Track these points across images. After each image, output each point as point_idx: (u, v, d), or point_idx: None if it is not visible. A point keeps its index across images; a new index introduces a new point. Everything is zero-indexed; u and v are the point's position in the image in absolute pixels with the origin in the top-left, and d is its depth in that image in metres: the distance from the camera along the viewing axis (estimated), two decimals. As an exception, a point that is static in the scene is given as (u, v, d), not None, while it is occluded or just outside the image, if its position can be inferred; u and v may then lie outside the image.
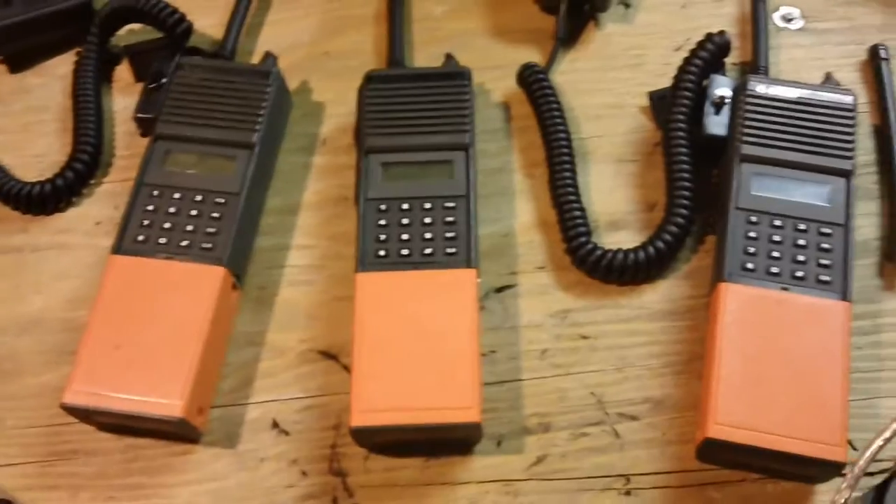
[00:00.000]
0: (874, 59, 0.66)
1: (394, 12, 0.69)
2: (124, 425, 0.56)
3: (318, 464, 0.56)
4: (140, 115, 0.63)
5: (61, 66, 0.69)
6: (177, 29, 0.65)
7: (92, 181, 0.65)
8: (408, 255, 0.57)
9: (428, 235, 0.58)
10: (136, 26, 0.69)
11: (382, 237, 0.58)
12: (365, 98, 0.62)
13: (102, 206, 0.64)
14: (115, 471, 0.56)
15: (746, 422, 0.52)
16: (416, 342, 0.54)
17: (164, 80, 0.63)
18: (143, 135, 0.65)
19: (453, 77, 0.63)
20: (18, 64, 0.69)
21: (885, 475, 0.54)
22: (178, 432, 0.55)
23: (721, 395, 0.52)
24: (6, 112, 0.68)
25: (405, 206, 0.59)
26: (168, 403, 0.53)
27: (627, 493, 0.54)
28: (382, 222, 0.58)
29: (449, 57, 0.66)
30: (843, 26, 0.69)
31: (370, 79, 0.63)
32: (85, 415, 0.55)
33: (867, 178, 0.63)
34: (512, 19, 0.70)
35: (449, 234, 0.58)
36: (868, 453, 0.50)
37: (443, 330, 0.55)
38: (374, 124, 0.61)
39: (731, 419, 0.52)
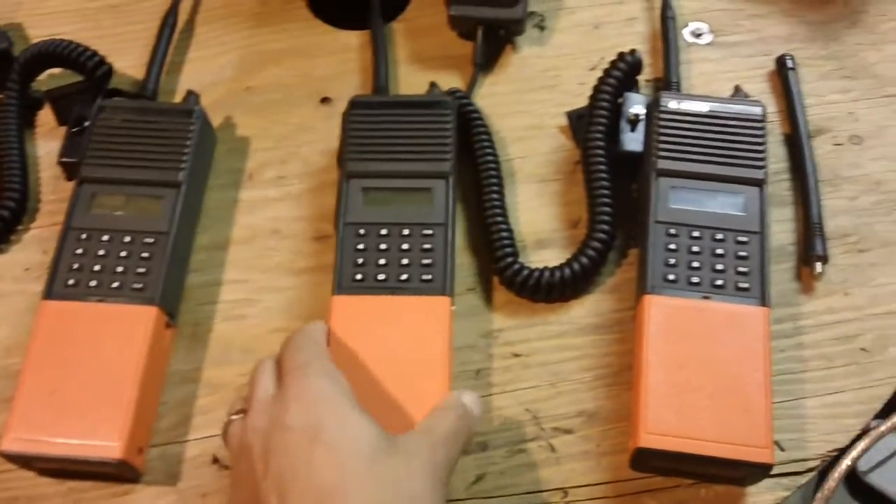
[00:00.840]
0: (781, 69, 0.69)
1: (377, 41, 0.70)
2: (65, 469, 0.56)
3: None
4: (64, 160, 0.63)
5: (-19, 113, 0.68)
6: (97, 72, 0.65)
7: (19, 227, 0.64)
8: (384, 280, 0.58)
9: (405, 261, 0.58)
10: (56, 70, 0.68)
11: (360, 261, 0.59)
12: (348, 123, 0.63)
13: (31, 251, 0.64)
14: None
15: (676, 429, 0.53)
16: (388, 367, 0.55)
17: (86, 124, 0.63)
18: (69, 179, 0.65)
19: (436, 106, 0.63)
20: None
21: (811, 474, 0.56)
22: (119, 473, 0.55)
23: (650, 404, 0.54)
24: (-73, 162, 0.67)
25: (384, 231, 0.59)
26: (107, 446, 0.53)
27: (566, 505, 0.56)
28: (361, 246, 0.59)
29: (433, 85, 0.66)
30: (750, 39, 0.71)
31: (354, 104, 0.63)
32: (24, 461, 0.55)
33: (781, 185, 0.65)
34: (430, 46, 0.71)
35: (426, 261, 0.59)
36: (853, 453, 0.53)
37: (415, 356, 0.56)
38: (357, 149, 0.62)
39: (660, 428, 0.53)
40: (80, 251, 0.59)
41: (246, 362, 0.60)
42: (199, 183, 0.64)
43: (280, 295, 0.62)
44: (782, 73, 0.69)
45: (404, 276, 0.58)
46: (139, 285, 0.58)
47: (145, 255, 0.58)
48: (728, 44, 0.71)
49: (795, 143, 0.66)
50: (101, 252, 0.59)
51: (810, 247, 0.62)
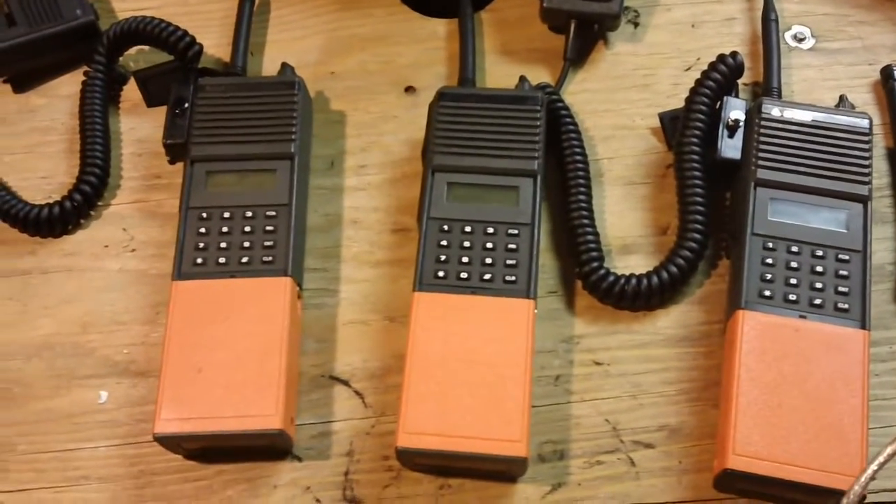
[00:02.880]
0: (887, 80, 0.66)
1: (465, 29, 0.68)
2: (213, 448, 0.56)
3: (332, 491, 0.55)
4: (169, 142, 0.63)
5: (65, 87, 0.68)
6: (188, 52, 0.64)
7: (100, 203, 0.64)
8: (466, 279, 0.57)
9: (489, 261, 0.57)
10: (144, 47, 0.68)
11: (443, 258, 0.57)
12: (436, 115, 0.61)
13: (111, 228, 0.63)
14: (127, 497, 0.56)
15: (765, 452, 0.52)
16: (468, 369, 0.54)
17: (186, 105, 0.62)
18: (172, 161, 0.64)
19: (525, 101, 0.62)
20: (22, 84, 0.68)
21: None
22: (273, 445, 0.55)
23: (740, 424, 0.52)
24: (11, 133, 0.67)
25: (468, 228, 0.58)
26: (265, 416, 0.53)
27: (644, 522, 0.54)
28: (444, 243, 0.58)
29: (522, 79, 0.65)
30: (854, 46, 0.68)
31: (442, 96, 0.62)
32: (175, 442, 0.55)
33: (882, 202, 0.63)
34: (520, 39, 0.69)
35: (510, 262, 0.57)
36: (862, 478, 0.49)
37: (496, 360, 0.54)
38: (443, 143, 0.60)
39: (750, 450, 0.52)
40: (203, 230, 0.59)
41: (321, 353, 0.59)
42: (306, 153, 0.63)
43: (357, 286, 0.61)
44: (887, 85, 0.66)
45: (487, 276, 0.57)
46: (269, 258, 0.58)
47: (270, 227, 0.59)
48: (831, 50, 0.68)
49: (899, 158, 0.63)
50: (225, 229, 0.59)
51: (912, 268, 0.60)
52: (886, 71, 0.66)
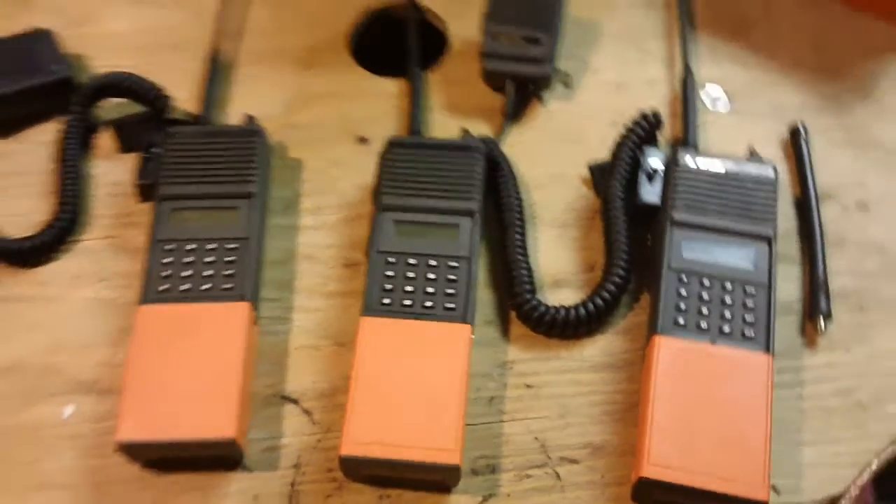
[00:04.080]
0: (795, 137, 0.73)
1: (414, 88, 0.75)
2: (168, 458, 0.60)
3: (278, 500, 0.59)
4: (140, 182, 0.68)
5: (42, 134, 0.73)
6: (158, 103, 0.70)
7: (73, 238, 0.69)
8: (410, 306, 0.62)
9: (430, 290, 0.62)
10: (117, 99, 0.73)
11: (388, 287, 0.62)
12: (385, 160, 0.67)
13: (83, 260, 0.68)
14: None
15: (677, 463, 0.56)
16: (409, 385, 0.59)
17: (155, 150, 0.68)
18: (144, 200, 0.69)
19: (467, 149, 0.67)
20: (1, 131, 0.73)
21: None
22: (226, 455, 0.60)
23: (654, 438, 0.57)
24: (-11, 175, 0.72)
25: (412, 260, 0.63)
26: (220, 427, 0.58)
27: (568, 531, 0.59)
28: (390, 273, 0.63)
29: (465, 131, 0.71)
30: (765, 106, 0.75)
31: (391, 143, 0.68)
32: (136, 450, 0.59)
33: (790, 245, 0.69)
34: (463, 96, 0.76)
35: (449, 291, 0.62)
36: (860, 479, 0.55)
37: (434, 377, 0.59)
38: (391, 185, 0.66)
39: (663, 460, 0.56)
40: (168, 260, 0.63)
41: (273, 374, 0.63)
42: (265, 194, 0.69)
43: (309, 315, 0.66)
44: (795, 141, 0.73)
45: (429, 304, 0.62)
46: (229, 285, 0.62)
47: (230, 258, 0.63)
48: (745, 110, 0.75)
49: (805, 207, 0.70)
50: (189, 259, 0.63)
51: (815, 303, 0.65)
52: (794, 129, 0.73)
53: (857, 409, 0.63)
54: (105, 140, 0.73)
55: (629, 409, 0.62)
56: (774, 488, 0.59)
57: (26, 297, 0.66)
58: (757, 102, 0.76)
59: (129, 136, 0.71)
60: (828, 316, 0.65)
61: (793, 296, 0.67)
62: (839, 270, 0.68)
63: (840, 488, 0.60)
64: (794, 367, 0.64)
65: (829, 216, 0.70)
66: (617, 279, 0.65)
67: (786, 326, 0.65)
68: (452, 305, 0.62)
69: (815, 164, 0.72)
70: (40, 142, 0.73)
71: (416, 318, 0.61)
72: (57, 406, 0.62)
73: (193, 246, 0.64)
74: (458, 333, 0.61)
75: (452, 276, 0.63)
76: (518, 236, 0.67)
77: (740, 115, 0.75)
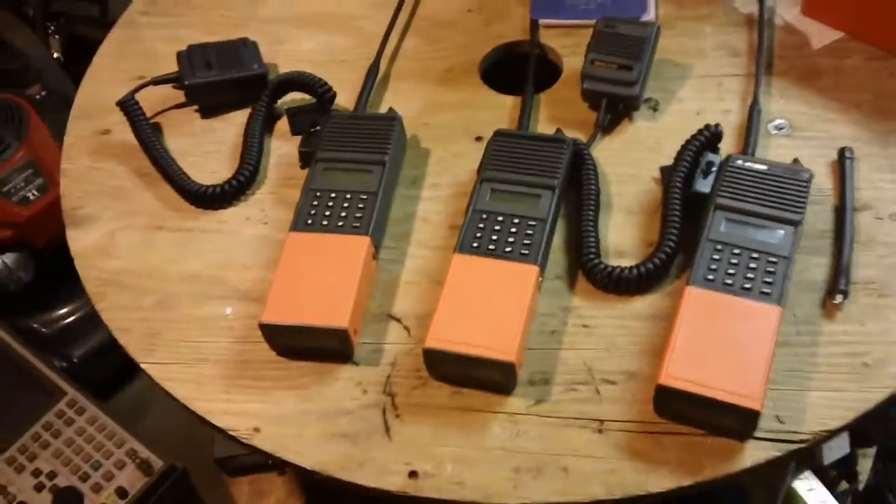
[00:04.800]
0: (841, 157, 0.85)
1: (525, 103, 0.93)
2: (298, 346, 0.78)
3: (376, 386, 0.76)
4: (302, 150, 0.90)
5: (238, 117, 0.95)
6: (325, 95, 0.91)
7: (248, 192, 0.90)
8: (493, 249, 0.78)
9: (510, 239, 0.78)
10: (295, 95, 0.95)
11: (479, 235, 0.79)
12: (490, 145, 0.85)
13: (252, 208, 0.89)
14: (231, 373, 0.78)
15: (690, 376, 0.70)
16: (484, 303, 0.75)
17: (317, 128, 0.89)
18: (303, 166, 0.90)
19: (558, 142, 0.85)
20: (207, 112, 0.97)
21: (802, 445, 0.70)
22: (340, 349, 0.77)
23: (674, 356, 0.71)
24: (195, 143, 0.94)
25: (500, 217, 0.80)
26: (338, 318, 0.75)
27: (600, 431, 0.72)
28: (481, 226, 0.80)
29: (559, 130, 0.88)
30: (821, 135, 0.88)
31: (497, 133, 0.86)
32: (274, 334, 0.77)
33: (824, 242, 0.81)
34: (565, 112, 0.93)
35: (526, 241, 0.78)
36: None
37: (505, 301, 0.75)
38: (492, 162, 0.84)
39: (678, 373, 0.70)
40: (315, 202, 0.82)
41: (383, 298, 0.81)
42: (396, 170, 0.88)
43: (417, 261, 0.83)
44: (841, 160, 0.85)
45: (508, 249, 0.78)
46: (357, 224, 0.81)
47: (361, 206, 0.82)
48: (801, 137, 0.88)
49: (841, 209, 0.82)
50: (330, 203, 0.82)
51: (835, 281, 0.77)
52: (842, 150, 0.86)
53: (862, 367, 0.74)
54: (282, 125, 0.94)
55: (662, 351, 0.75)
56: (779, 418, 0.71)
57: (210, 230, 0.88)
58: (814, 133, 0.89)
59: (299, 121, 0.93)
60: (845, 293, 0.77)
61: (819, 278, 0.79)
62: (866, 263, 0.79)
63: (838, 425, 0.71)
64: (811, 331, 0.76)
65: (864, 221, 0.82)
66: (668, 249, 0.79)
67: (809, 301, 0.77)
68: (526, 252, 0.78)
69: (858, 182, 0.84)
70: (236, 122, 0.95)
71: (496, 258, 0.78)
72: (221, 306, 0.82)
73: (335, 195, 0.83)
74: (528, 271, 0.77)
75: (530, 231, 0.79)
76: (591, 213, 0.82)
77: (797, 141, 0.88)
